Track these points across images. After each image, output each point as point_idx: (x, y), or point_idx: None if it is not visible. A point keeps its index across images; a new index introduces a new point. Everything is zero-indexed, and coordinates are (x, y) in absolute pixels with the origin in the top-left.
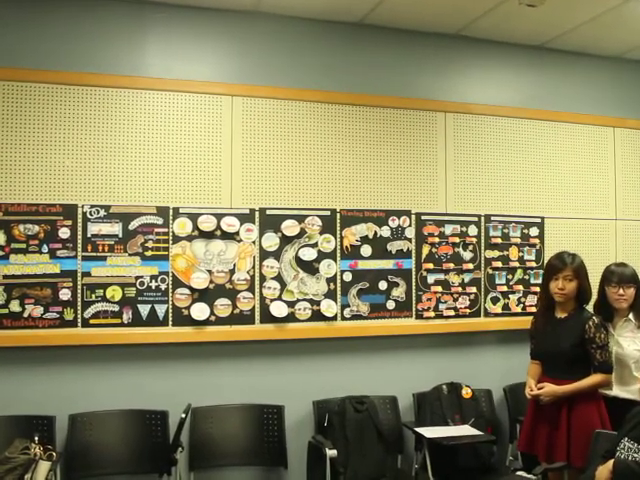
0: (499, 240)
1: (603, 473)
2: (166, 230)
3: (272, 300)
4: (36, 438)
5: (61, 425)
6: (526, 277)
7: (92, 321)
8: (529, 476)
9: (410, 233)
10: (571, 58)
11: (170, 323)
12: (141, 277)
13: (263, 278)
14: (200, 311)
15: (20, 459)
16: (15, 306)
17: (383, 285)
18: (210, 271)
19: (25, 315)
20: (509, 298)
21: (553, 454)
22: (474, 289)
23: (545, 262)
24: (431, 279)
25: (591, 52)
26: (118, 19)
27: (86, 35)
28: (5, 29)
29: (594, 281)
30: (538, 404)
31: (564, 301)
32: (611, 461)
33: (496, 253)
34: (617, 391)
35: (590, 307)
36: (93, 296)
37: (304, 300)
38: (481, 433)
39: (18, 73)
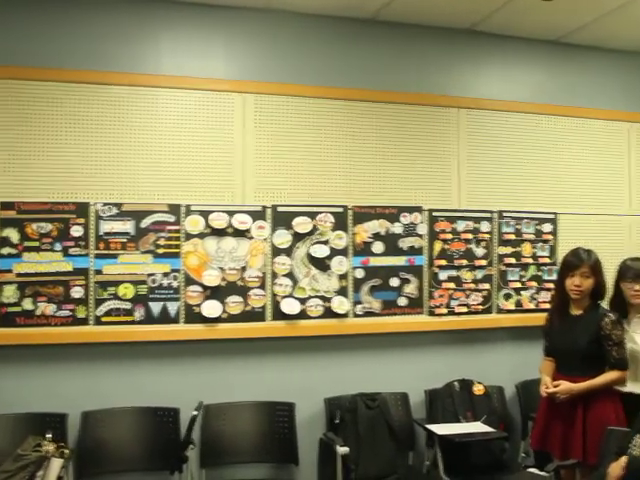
0: (512, 236)
1: (615, 470)
2: (178, 228)
3: (284, 297)
4: (49, 435)
5: (73, 422)
6: (539, 273)
7: (104, 319)
8: (541, 473)
9: (422, 230)
10: (586, 53)
11: (182, 320)
12: (153, 275)
13: (275, 275)
14: (211, 308)
15: (32, 456)
16: (28, 304)
17: (395, 282)
18: (222, 268)
19: (38, 313)
20: (522, 295)
21: (569, 451)
22: (487, 286)
23: (558, 258)
24: (443, 276)
25: (607, 46)
26: (129, 17)
27: (95, 34)
28: (20, 29)
29: (608, 277)
30: (552, 401)
31: (580, 298)
32: (623, 458)
33: (509, 249)
34: (632, 387)
35: (605, 303)
36: (105, 294)
37: (316, 297)
38: (493, 430)
39: (30, 72)
